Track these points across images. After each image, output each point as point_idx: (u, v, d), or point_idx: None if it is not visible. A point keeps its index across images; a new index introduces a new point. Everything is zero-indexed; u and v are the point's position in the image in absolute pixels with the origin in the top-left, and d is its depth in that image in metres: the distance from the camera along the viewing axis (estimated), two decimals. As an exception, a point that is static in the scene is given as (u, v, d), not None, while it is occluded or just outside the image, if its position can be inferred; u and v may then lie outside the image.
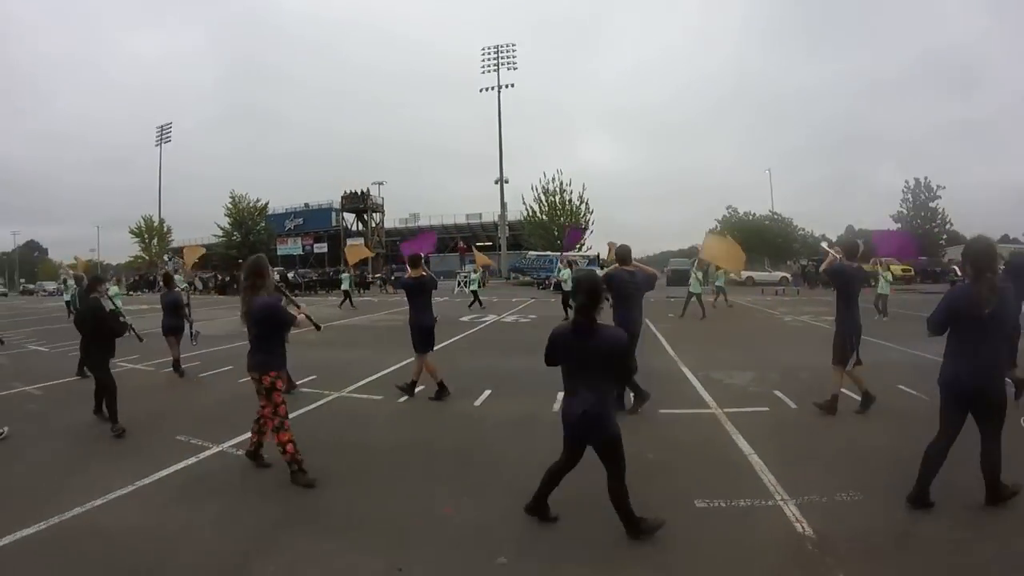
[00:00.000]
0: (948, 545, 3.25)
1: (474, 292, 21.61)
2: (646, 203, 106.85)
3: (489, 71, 49.97)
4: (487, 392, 7.25)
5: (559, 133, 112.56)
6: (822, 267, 6.52)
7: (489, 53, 49.86)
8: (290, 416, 4.62)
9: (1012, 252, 6.93)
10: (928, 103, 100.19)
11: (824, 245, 6.64)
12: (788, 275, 35.53)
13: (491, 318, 17.24)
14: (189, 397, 7.43)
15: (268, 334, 4.57)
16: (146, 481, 4.44)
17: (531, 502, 3.67)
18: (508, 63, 49.65)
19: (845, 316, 5.94)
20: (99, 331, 5.87)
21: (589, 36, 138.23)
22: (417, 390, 7.07)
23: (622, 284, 6.17)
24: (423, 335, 6.96)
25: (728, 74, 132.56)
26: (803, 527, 3.50)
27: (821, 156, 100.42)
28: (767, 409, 6.20)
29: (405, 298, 7.33)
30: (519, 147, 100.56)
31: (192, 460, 4.89)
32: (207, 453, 5.07)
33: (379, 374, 8.35)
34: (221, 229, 55.06)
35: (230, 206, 54.62)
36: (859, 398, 6.09)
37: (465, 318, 17.27)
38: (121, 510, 4.01)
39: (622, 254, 6.39)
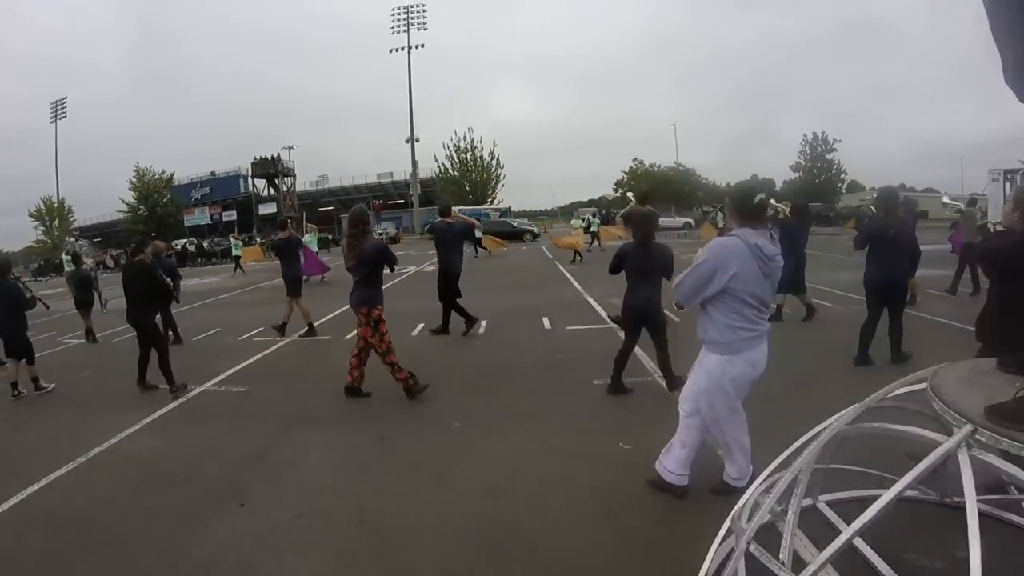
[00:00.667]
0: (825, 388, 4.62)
1: None
2: (561, 157, 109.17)
3: (399, 31, 49.25)
4: (421, 325, 8.45)
5: (474, 89, 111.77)
6: (619, 214, 8.20)
7: (399, 14, 49.10)
8: (253, 360, 5.43)
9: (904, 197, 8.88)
10: (839, 65, 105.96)
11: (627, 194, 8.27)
12: (691, 220, 38.10)
13: (412, 269, 18.37)
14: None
15: (374, 273, 5.25)
16: (150, 419, 5.17)
17: (610, 385, 4.99)
18: (419, 24, 49.09)
19: None
20: (150, 292, 6.25)
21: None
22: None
23: (441, 233, 7.71)
24: (292, 283, 8.50)
25: (648, 32, 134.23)
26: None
27: (735, 113, 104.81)
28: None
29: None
30: (434, 104, 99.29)
31: (183, 399, 5.70)
32: (193, 393, 5.89)
33: (318, 322, 9.25)
34: (126, 204, 52.49)
35: (135, 180, 52.04)
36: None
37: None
38: (141, 440, 4.71)
39: (442, 208, 8.08)
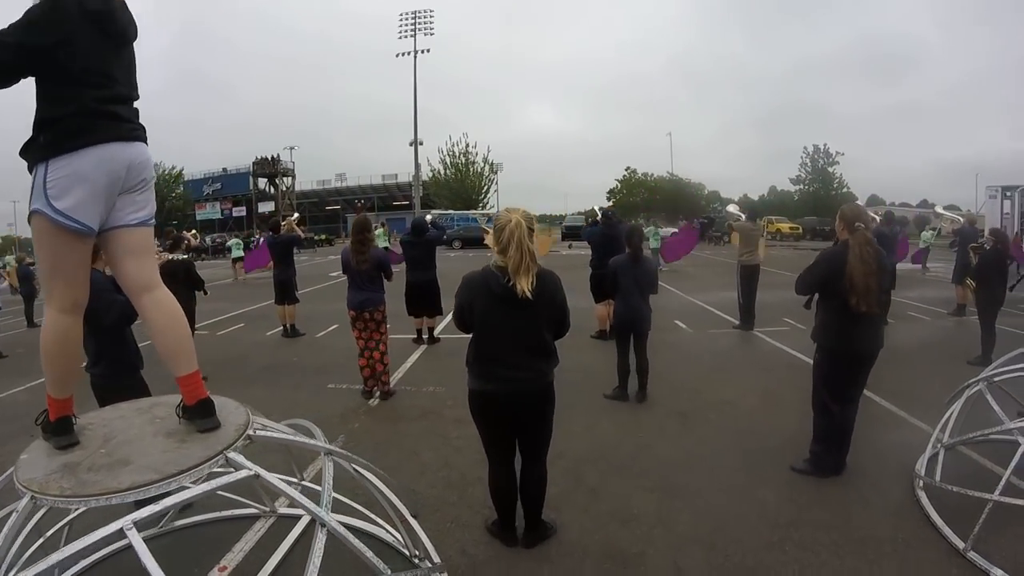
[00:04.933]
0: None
1: None
2: (574, 166, 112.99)
3: (406, 36, 50.14)
4: (333, 326, 9.68)
5: (489, 97, 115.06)
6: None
7: (407, 18, 49.97)
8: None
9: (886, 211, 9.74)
10: (858, 85, 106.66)
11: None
12: (677, 231, 38.91)
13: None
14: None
15: (377, 277, 5.89)
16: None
17: (616, 392, 5.71)
18: (425, 29, 49.84)
19: (597, 265, 8.04)
20: (188, 282, 6.83)
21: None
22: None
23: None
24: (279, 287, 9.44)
25: (667, 52, 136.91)
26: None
27: (753, 128, 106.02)
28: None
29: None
30: (445, 108, 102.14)
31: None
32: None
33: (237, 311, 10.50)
34: (136, 197, 54.34)
35: (145, 174, 53.86)
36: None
37: (334, 272, 19.09)
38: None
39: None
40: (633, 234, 5.77)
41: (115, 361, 3.48)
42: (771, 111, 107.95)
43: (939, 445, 3.83)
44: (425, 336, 8.49)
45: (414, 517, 2.73)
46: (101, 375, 3.44)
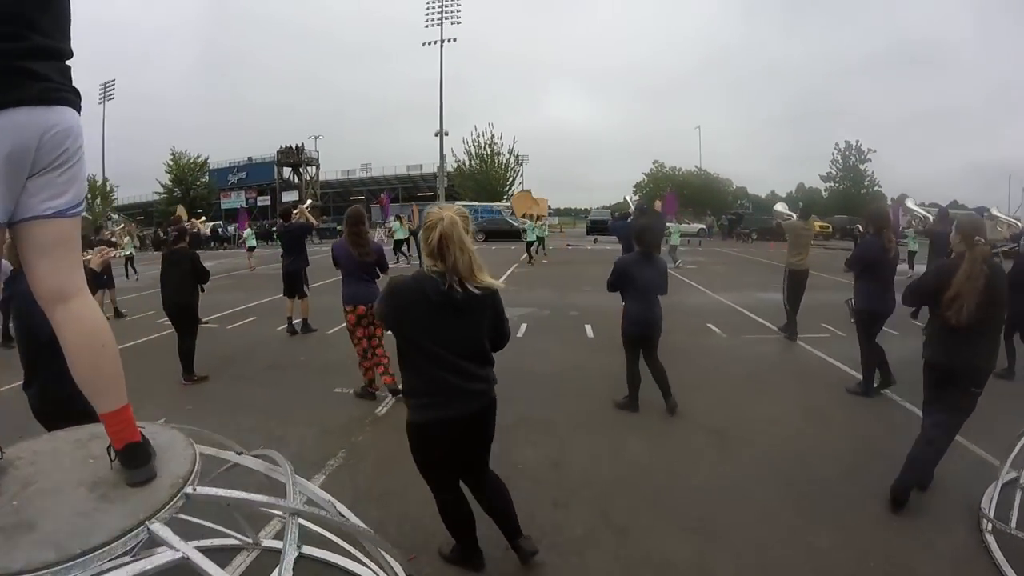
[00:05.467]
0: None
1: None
2: (600, 159, 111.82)
3: (433, 25, 49.64)
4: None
5: (513, 87, 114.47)
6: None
7: (433, 6, 49.45)
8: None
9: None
10: (892, 87, 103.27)
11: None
12: (704, 227, 38.24)
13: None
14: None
15: (373, 272, 5.67)
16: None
17: (626, 400, 5.31)
18: (452, 18, 49.30)
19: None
20: (193, 275, 6.48)
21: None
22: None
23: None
24: (288, 279, 8.91)
25: (699, 45, 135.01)
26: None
27: (775, 125, 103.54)
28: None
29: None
30: (472, 99, 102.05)
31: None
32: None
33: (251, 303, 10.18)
34: (162, 186, 54.80)
35: (171, 163, 54.26)
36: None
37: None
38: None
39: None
40: (645, 230, 5.23)
41: (52, 381, 2.83)
42: (799, 108, 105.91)
43: (1015, 484, 3.42)
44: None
45: (407, 577, 2.27)
46: (34, 397, 2.95)
